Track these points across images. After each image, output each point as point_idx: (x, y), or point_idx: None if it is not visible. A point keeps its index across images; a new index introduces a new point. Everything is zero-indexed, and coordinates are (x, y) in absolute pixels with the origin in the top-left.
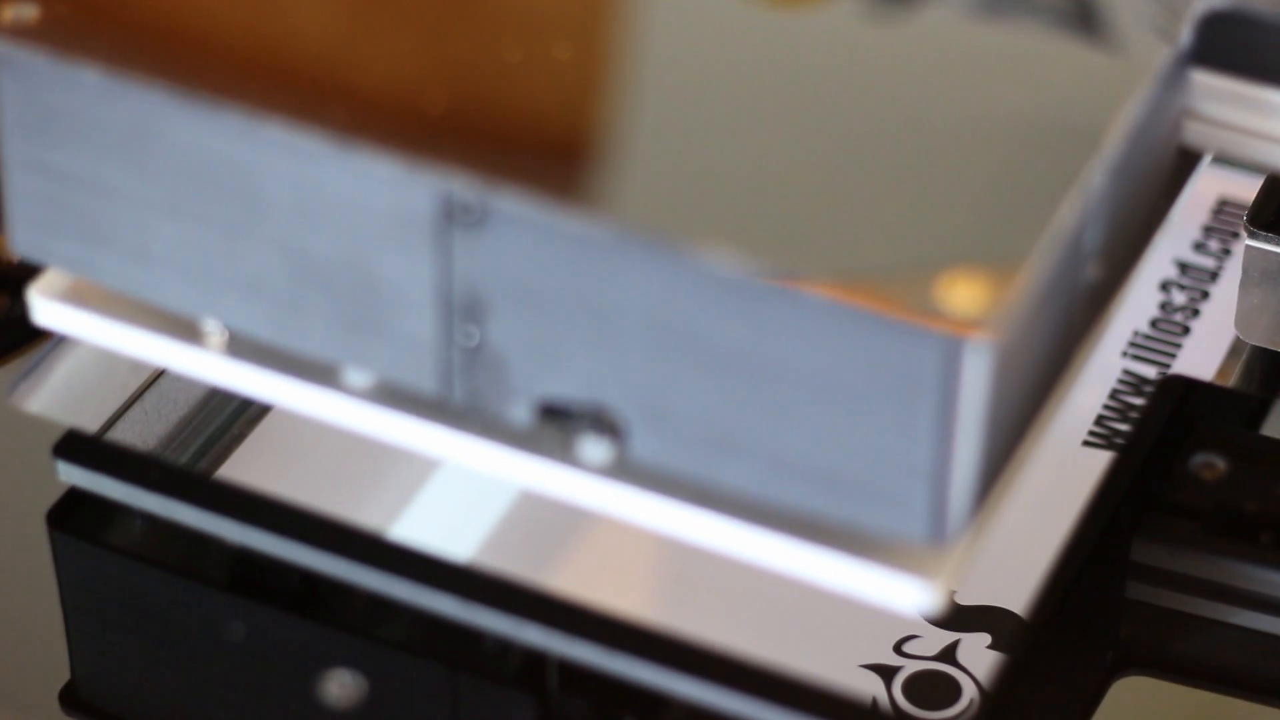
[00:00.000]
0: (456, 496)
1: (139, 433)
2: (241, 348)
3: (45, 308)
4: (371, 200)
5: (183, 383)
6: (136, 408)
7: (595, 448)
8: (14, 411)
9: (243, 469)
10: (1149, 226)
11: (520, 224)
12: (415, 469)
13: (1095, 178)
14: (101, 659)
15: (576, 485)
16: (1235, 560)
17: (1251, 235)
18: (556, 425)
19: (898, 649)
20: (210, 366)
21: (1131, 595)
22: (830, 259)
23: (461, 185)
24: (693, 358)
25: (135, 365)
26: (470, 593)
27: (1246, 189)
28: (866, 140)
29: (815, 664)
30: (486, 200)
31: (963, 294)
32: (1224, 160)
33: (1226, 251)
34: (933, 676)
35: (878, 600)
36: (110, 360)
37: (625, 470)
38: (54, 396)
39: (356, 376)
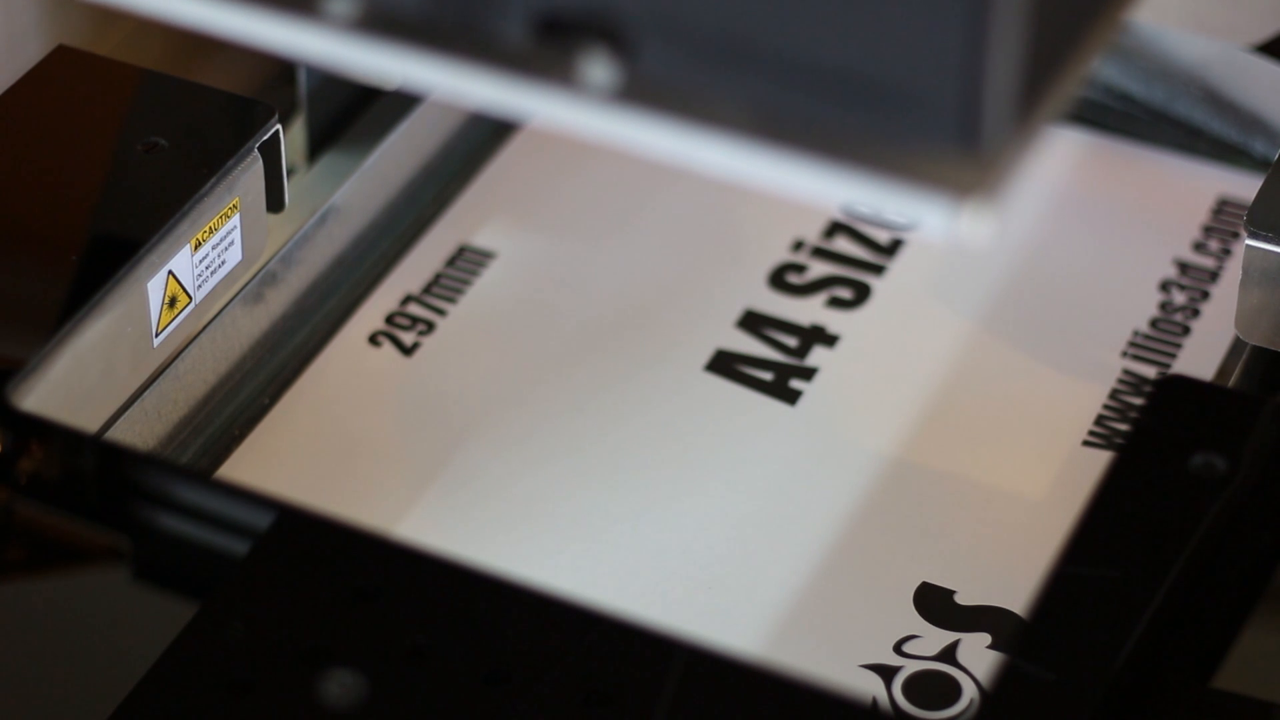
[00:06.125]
0: (458, 498)
1: (139, 433)
2: None
3: None
4: None
5: (183, 383)
6: (136, 407)
7: (599, 67)
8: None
9: (242, 469)
10: None
11: None
12: (416, 470)
13: None
14: None
15: (580, 110)
16: None
17: (1251, 235)
18: (556, 44)
19: (898, 649)
20: (182, 7)
21: None
22: None
23: None
24: None
25: (135, 365)
26: None
27: (1246, 189)
28: None
29: (815, 664)
30: None
31: None
32: None
33: (1226, 251)
34: (933, 676)
35: (904, 219)
36: (110, 360)
37: (633, 92)
38: (54, 396)
39: (337, 4)
